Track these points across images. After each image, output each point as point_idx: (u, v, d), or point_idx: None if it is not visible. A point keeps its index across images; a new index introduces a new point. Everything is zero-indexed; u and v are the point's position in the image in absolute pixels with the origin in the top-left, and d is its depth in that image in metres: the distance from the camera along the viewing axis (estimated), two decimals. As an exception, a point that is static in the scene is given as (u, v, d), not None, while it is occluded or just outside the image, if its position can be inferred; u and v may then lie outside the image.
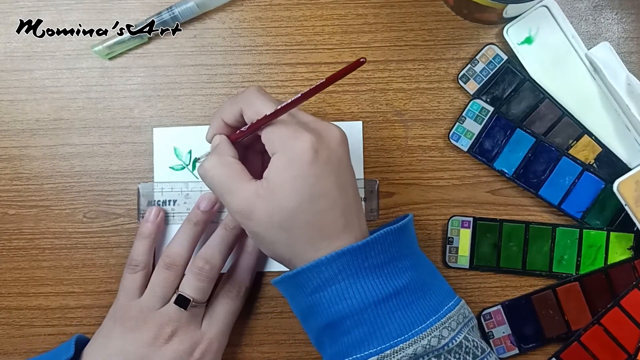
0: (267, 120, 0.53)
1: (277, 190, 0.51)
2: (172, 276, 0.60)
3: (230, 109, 0.56)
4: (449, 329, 0.52)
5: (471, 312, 0.56)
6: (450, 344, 0.51)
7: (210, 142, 0.58)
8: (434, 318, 0.52)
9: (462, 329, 0.53)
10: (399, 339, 0.50)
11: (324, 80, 0.50)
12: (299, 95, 0.51)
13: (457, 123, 0.66)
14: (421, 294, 0.53)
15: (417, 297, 0.52)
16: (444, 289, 0.56)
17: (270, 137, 0.53)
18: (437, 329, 0.51)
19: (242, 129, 0.56)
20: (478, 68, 0.66)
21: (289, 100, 0.51)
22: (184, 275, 0.61)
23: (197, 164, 0.64)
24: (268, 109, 0.53)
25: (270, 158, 0.53)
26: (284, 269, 0.66)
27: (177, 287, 0.61)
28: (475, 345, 0.52)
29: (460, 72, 0.66)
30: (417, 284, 0.53)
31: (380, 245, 0.52)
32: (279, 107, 0.52)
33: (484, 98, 0.66)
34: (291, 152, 0.51)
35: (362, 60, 0.49)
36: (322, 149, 0.52)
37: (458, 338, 0.52)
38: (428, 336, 0.51)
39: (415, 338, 0.50)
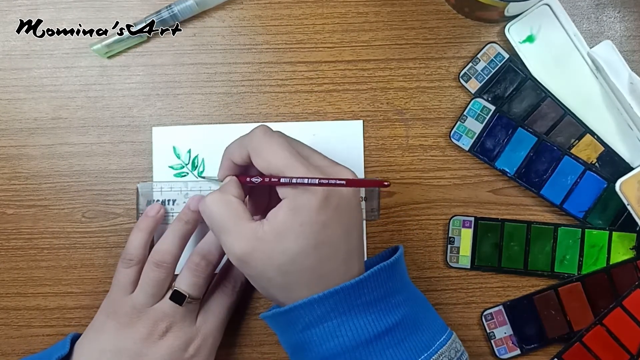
0: (280, 184, 0.53)
1: (281, 233, 0.51)
2: (163, 274, 0.60)
3: (239, 151, 0.55)
4: None
5: (462, 345, 0.56)
6: None
7: (220, 180, 0.58)
8: (425, 355, 0.52)
9: None
10: None
11: (344, 182, 0.51)
12: (317, 180, 0.51)
13: (459, 122, 0.66)
14: (413, 330, 0.53)
15: (409, 333, 0.53)
16: (436, 322, 0.56)
17: (282, 185, 0.53)
18: None
19: (254, 180, 0.56)
20: (479, 67, 0.66)
21: (307, 180, 0.51)
22: (174, 273, 0.61)
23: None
24: (278, 160, 0.52)
25: (276, 194, 0.53)
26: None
27: (169, 285, 0.60)
28: None
29: (462, 70, 0.66)
30: (410, 319, 0.53)
31: (373, 283, 0.52)
32: (294, 179, 0.52)
33: (485, 97, 0.66)
34: (301, 199, 0.51)
35: (385, 183, 0.50)
36: (332, 196, 0.52)
37: None
38: None
39: None
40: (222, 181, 0.58)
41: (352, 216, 0.54)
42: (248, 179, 0.56)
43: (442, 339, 0.54)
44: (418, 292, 0.57)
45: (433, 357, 0.52)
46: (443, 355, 0.52)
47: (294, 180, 0.51)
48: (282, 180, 0.52)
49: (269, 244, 0.51)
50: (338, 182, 0.51)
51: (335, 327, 0.51)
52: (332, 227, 0.52)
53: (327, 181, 0.50)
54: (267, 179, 0.54)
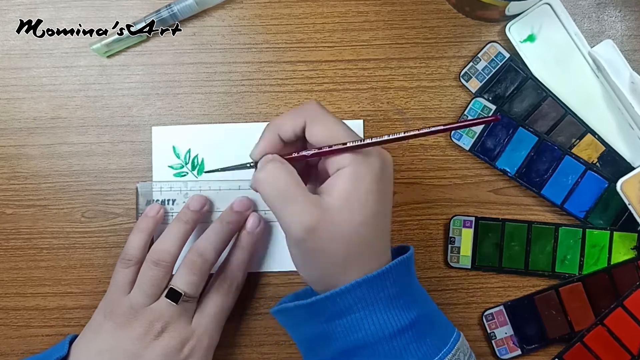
0: (346, 150, 0.51)
1: (347, 202, 0.50)
2: (161, 274, 0.59)
3: (292, 122, 0.53)
4: None
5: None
6: None
7: (253, 164, 0.56)
8: (445, 350, 0.52)
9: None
10: None
11: (444, 126, 0.49)
12: (385, 137, 0.50)
13: (459, 122, 0.66)
14: (431, 326, 0.53)
15: (428, 329, 0.52)
16: (445, 320, 0.56)
17: (337, 153, 0.52)
18: None
19: (305, 154, 0.53)
20: (480, 66, 0.66)
21: (369, 140, 0.50)
22: (172, 273, 0.61)
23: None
24: (338, 128, 0.52)
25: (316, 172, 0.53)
26: (284, 269, 0.66)
27: (167, 285, 0.60)
28: None
29: (462, 70, 0.66)
30: (427, 315, 0.53)
31: (394, 275, 0.52)
32: (359, 141, 0.51)
33: (486, 96, 0.66)
34: (363, 168, 0.51)
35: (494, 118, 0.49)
36: (384, 170, 0.52)
37: None
38: None
39: None
40: (256, 161, 0.55)
41: (391, 192, 0.54)
42: (298, 153, 0.54)
43: (455, 335, 0.54)
44: (425, 291, 0.57)
45: (452, 352, 0.52)
46: (459, 351, 0.52)
47: (370, 140, 0.50)
48: (349, 144, 0.51)
49: (335, 214, 0.50)
50: (422, 131, 0.50)
51: (360, 320, 0.51)
52: (386, 198, 0.52)
53: (412, 133, 0.50)
54: (326, 148, 0.52)
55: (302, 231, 0.50)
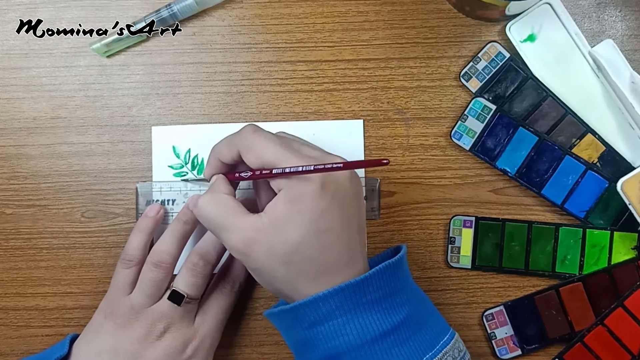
0: (273, 176, 0.53)
1: (280, 224, 0.51)
2: (161, 275, 0.59)
3: (228, 150, 0.56)
4: None
5: (464, 345, 0.56)
6: None
7: (208, 181, 0.58)
8: (430, 354, 0.52)
9: None
10: None
11: (340, 164, 0.50)
12: (312, 166, 0.50)
13: (459, 121, 0.65)
14: (417, 329, 0.53)
15: (414, 333, 0.52)
16: (439, 322, 0.56)
17: (275, 176, 0.53)
18: None
19: (243, 175, 0.56)
20: (480, 66, 0.66)
21: (301, 167, 0.51)
22: (173, 274, 0.61)
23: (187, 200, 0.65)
24: (270, 154, 0.52)
25: (271, 192, 0.54)
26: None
27: (168, 285, 0.60)
28: None
29: (462, 70, 0.66)
30: (414, 318, 0.53)
31: (378, 281, 0.52)
32: (287, 169, 0.51)
33: (486, 96, 0.66)
34: (298, 188, 0.51)
35: (384, 161, 0.48)
36: (329, 184, 0.52)
37: None
38: None
39: None
40: (208, 180, 0.58)
41: (352, 205, 0.54)
42: (237, 174, 0.56)
43: (445, 339, 0.53)
44: (420, 291, 0.57)
45: (437, 357, 0.52)
46: (447, 355, 0.52)
47: (287, 170, 0.51)
48: (274, 171, 0.52)
49: (269, 235, 0.51)
50: (335, 165, 0.50)
51: (341, 325, 0.51)
52: (331, 215, 0.52)
53: (322, 166, 0.50)
54: (258, 172, 0.54)
55: (237, 253, 0.53)
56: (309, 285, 0.52)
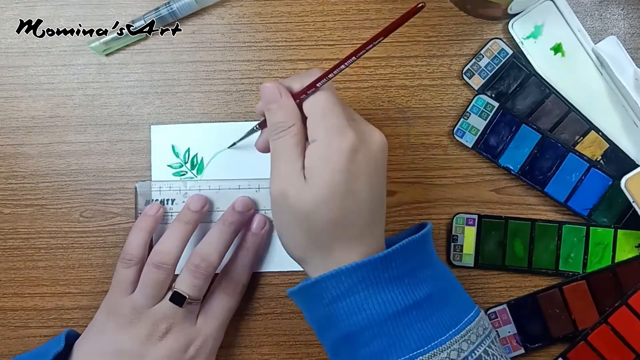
0: (326, 75, 0.52)
1: (312, 179, 0.51)
2: (163, 275, 0.59)
3: (300, 82, 0.54)
4: (469, 342, 0.51)
5: (490, 323, 0.55)
6: (469, 358, 0.50)
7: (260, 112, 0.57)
8: (453, 330, 0.51)
9: (483, 342, 0.52)
10: (417, 352, 0.49)
11: (381, 37, 0.50)
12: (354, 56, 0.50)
13: (462, 119, 0.65)
14: (441, 305, 0.52)
15: (437, 309, 0.52)
16: (464, 299, 0.55)
17: (317, 121, 0.52)
18: (456, 342, 0.50)
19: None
20: (483, 63, 0.65)
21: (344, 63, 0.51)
22: (174, 274, 0.60)
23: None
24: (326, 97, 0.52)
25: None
26: (284, 269, 0.66)
27: (169, 286, 0.60)
28: (495, 359, 0.52)
29: (465, 66, 0.66)
30: (437, 294, 0.52)
31: (402, 256, 0.51)
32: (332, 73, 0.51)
33: (488, 93, 0.65)
34: (332, 146, 0.51)
35: (420, 5, 0.48)
36: (361, 151, 0.51)
37: (477, 352, 0.51)
38: (447, 349, 0.50)
39: (435, 351, 0.49)
40: (262, 115, 0.56)
41: (377, 177, 0.53)
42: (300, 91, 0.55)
43: (470, 316, 0.52)
44: (446, 268, 0.56)
45: (461, 333, 0.51)
46: (471, 332, 0.51)
47: (330, 74, 0.51)
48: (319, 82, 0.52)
49: (303, 187, 0.51)
50: (375, 41, 0.50)
51: (363, 300, 0.50)
52: (358, 180, 0.51)
53: (365, 46, 0.50)
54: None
55: (280, 194, 0.52)
56: (323, 248, 0.52)
